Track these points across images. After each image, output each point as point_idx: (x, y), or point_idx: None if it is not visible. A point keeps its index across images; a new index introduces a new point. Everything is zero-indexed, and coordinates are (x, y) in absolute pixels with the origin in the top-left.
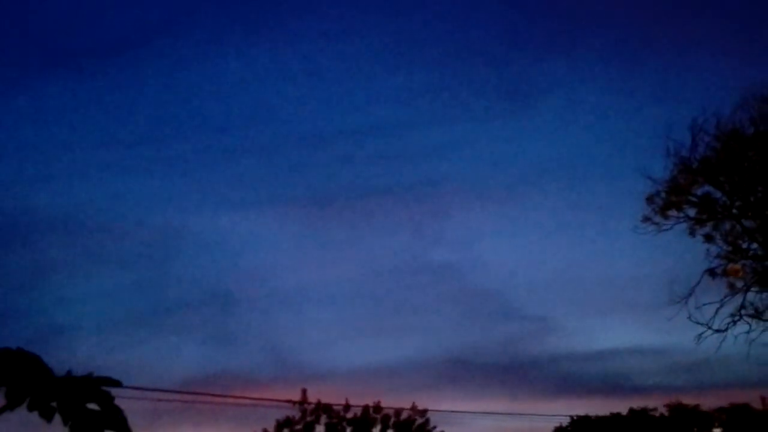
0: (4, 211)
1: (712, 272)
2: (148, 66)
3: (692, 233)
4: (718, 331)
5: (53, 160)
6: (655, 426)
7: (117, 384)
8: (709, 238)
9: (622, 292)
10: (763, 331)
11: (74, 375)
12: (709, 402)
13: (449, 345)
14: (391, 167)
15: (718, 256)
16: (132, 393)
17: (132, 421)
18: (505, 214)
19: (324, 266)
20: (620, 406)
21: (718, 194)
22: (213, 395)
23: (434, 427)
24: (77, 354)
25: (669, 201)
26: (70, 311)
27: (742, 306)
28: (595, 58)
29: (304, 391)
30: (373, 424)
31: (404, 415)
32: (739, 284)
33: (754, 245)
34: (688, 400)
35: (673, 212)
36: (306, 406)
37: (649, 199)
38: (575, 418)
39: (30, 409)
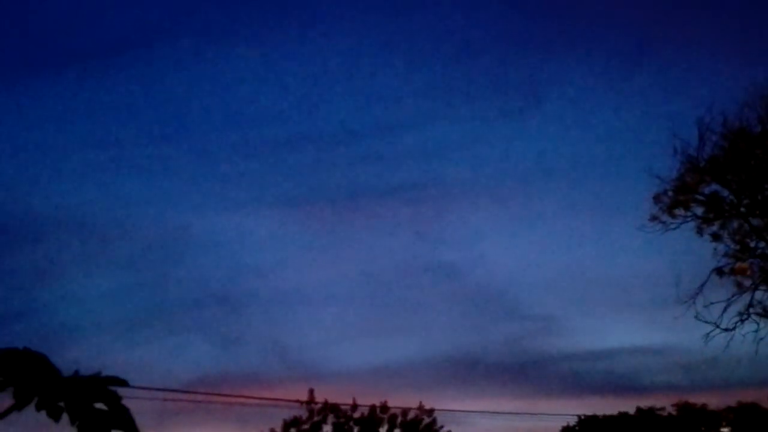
0: (6, 211)
1: (719, 271)
2: (148, 66)
3: (700, 232)
4: (726, 330)
5: (55, 160)
6: (662, 425)
7: (124, 384)
8: (716, 237)
9: (628, 291)
10: None
11: (81, 375)
12: (716, 401)
13: (454, 344)
14: (393, 167)
15: (725, 254)
16: (139, 393)
17: (139, 421)
18: (509, 213)
19: (328, 266)
20: (627, 405)
21: (726, 193)
22: (220, 395)
23: (441, 427)
24: (84, 354)
25: (676, 200)
26: (76, 311)
27: (750, 304)
28: (599, 57)
29: (311, 391)
30: (380, 424)
31: (411, 415)
32: (747, 283)
33: (762, 244)
34: (696, 400)
35: (680, 211)
36: (313, 405)
37: (657, 198)
38: (583, 417)
39: (38, 408)
